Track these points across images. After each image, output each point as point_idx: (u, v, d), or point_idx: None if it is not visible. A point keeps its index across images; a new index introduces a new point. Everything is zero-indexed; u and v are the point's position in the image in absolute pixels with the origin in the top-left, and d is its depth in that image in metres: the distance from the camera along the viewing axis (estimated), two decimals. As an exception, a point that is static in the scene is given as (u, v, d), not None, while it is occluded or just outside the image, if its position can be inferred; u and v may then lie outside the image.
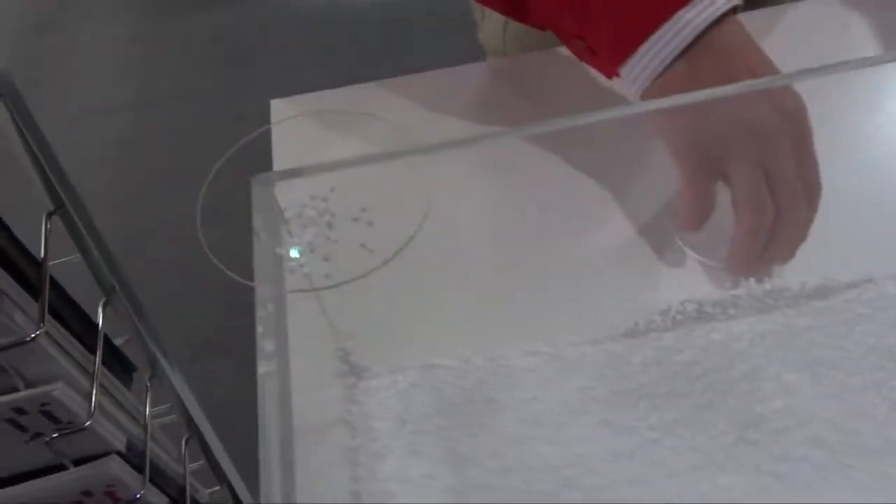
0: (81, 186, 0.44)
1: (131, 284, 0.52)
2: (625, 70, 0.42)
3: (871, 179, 0.42)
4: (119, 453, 0.49)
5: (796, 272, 0.40)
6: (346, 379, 0.37)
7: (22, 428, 0.44)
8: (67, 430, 0.44)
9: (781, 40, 0.49)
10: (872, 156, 0.43)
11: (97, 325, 0.49)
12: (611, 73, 0.43)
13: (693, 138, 0.40)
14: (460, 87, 0.56)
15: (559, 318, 0.40)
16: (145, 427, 0.51)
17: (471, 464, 0.36)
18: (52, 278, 0.47)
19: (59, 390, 0.43)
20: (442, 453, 0.36)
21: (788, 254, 0.40)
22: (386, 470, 0.35)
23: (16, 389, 0.42)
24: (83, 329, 0.51)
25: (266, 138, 0.48)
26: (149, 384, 0.55)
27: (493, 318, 0.40)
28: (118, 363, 0.55)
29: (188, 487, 0.58)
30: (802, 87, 0.39)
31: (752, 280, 0.40)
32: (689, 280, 0.40)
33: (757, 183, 0.39)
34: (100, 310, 0.50)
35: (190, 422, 0.62)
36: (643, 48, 0.40)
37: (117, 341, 0.54)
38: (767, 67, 0.41)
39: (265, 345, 0.26)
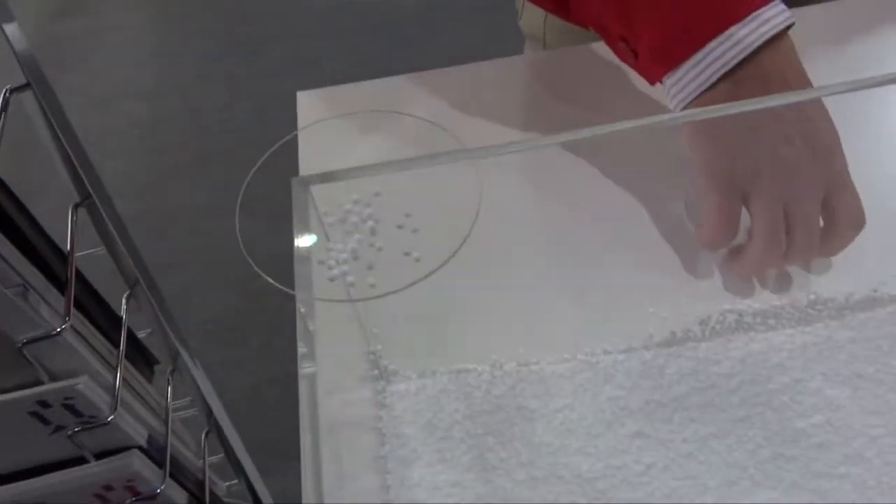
0: (102, 171, 0.43)
1: (153, 278, 0.52)
2: (668, 81, 0.40)
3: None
4: (140, 448, 0.48)
5: (843, 283, 0.39)
6: (376, 383, 0.37)
7: (45, 421, 0.43)
8: (90, 425, 0.44)
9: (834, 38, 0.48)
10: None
11: (121, 318, 0.48)
12: (654, 80, 0.41)
13: (722, 164, 0.38)
14: (491, 81, 0.55)
15: (594, 324, 0.39)
16: (166, 421, 0.51)
17: (500, 473, 0.35)
18: (77, 271, 0.47)
19: (83, 384, 0.42)
20: (471, 461, 0.36)
21: (786, 279, 0.40)
22: (414, 476, 0.35)
23: (40, 382, 0.42)
24: (107, 322, 0.50)
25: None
26: (170, 378, 0.55)
27: (525, 324, 0.39)
28: (140, 356, 0.54)
29: (207, 481, 0.58)
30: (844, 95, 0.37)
31: (796, 290, 0.38)
32: (729, 289, 0.39)
33: (774, 219, 0.38)
34: (123, 303, 0.50)
35: (210, 415, 0.62)
36: (688, 63, 0.38)
37: (140, 334, 0.54)
38: (815, 103, 0.38)
39: (301, 347, 0.25)
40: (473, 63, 0.56)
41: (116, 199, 0.46)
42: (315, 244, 0.25)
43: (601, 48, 0.54)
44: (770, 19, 0.37)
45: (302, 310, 0.25)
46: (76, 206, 0.46)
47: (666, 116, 0.33)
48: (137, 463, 0.47)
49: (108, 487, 0.47)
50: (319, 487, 0.28)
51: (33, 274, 0.41)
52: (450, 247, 0.26)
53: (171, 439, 0.52)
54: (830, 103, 0.38)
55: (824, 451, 0.36)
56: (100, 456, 0.48)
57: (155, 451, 0.50)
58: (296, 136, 0.41)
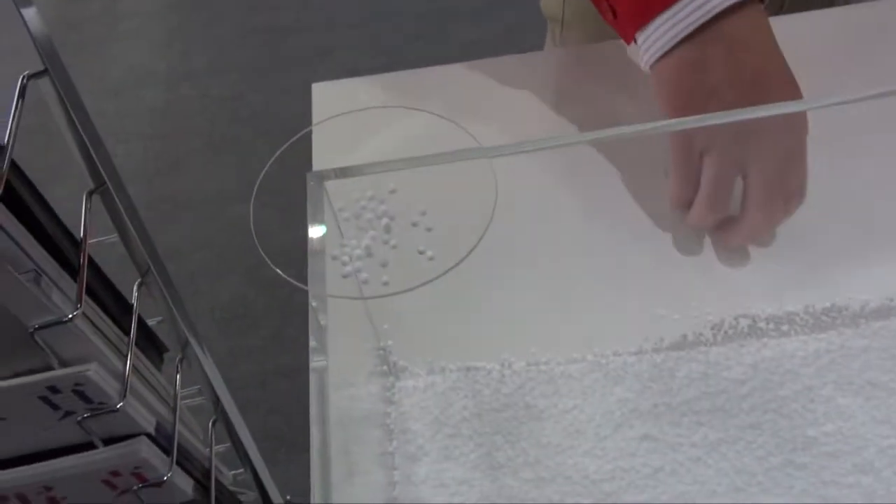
0: (115, 155, 0.43)
1: (164, 266, 0.52)
2: (640, 38, 0.41)
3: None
4: (148, 435, 0.49)
5: (858, 291, 0.38)
6: (385, 379, 0.37)
7: (54, 406, 0.44)
8: (99, 411, 0.44)
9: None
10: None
11: (131, 305, 0.48)
12: (629, 38, 0.42)
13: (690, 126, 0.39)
14: (508, 78, 0.54)
15: (605, 325, 0.39)
16: (175, 409, 0.51)
17: (506, 471, 0.35)
18: (89, 258, 0.47)
19: (92, 371, 0.43)
20: (478, 459, 0.36)
21: (738, 244, 0.41)
22: (421, 472, 0.35)
23: (50, 368, 0.42)
24: (118, 309, 0.50)
25: (309, 124, 0.47)
26: (179, 366, 0.55)
27: (536, 323, 0.39)
28: (150, 344, 0.55)
29: (213, 470, 0.58)
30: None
31: (810, 297, 0.38)
32: (743, 294, 0.39)
33: (720, 174, 0.39)
34: (134, 291, 0.50)
35: (217, 404, 0.62)
36: (658, 20, 0.39)
37: (150, 322, 0.54)
38: (776, 67, 0.40)
39: (312, 341, 0.25)
40: (490, 58, 0.56)
41: (129, 185, 0.46)
42: (329, 239, 0.25)
43: (619, 46, 0.54)
44: None
45: (314, 304, 0.25)
46: (90, 194, 0.46)
47: (684, 119, 0.33)
48: (145, 450, 0.47)
49: (116, 473, 0.48)
50: (328, 480, 0.28)
51: (46, 260, 0.41)
52: (464, 246, 0.26)
53: (178, 427, 0.53)
54: (835, 107, 0.37)
55: (834, 459, 0.36)
56: (108, 442, 0.48)
57: (162, 439, 0.50)
58: (310, 129, 0.41)
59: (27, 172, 0.44)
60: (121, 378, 0.45)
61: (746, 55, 0.39)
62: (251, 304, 1.35)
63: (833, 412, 0.37)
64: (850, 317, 0.39)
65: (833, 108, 0.36)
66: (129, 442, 0.47)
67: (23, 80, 0.37)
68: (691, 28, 0.39)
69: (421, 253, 0.26)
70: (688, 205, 0.40)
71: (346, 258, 0.28)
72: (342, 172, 0.27)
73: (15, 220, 0.39)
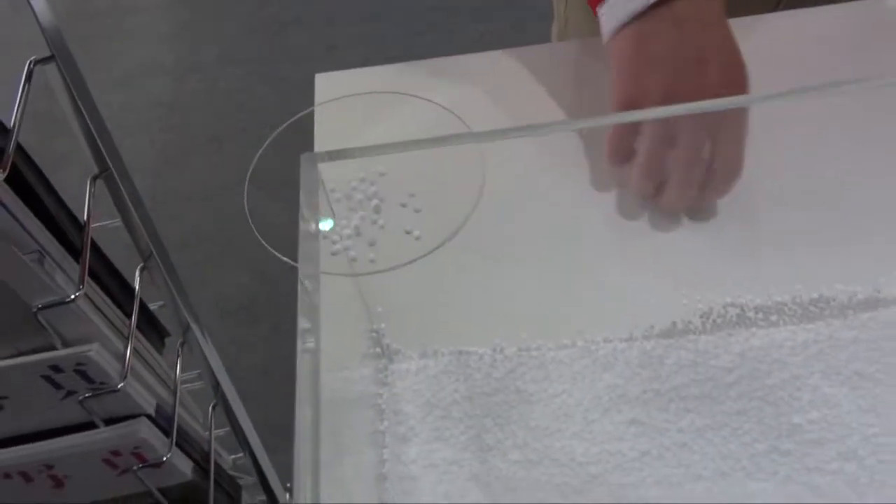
0: (122, 147, 0.44)
1: (167, 251, 0.53)
2: (600, 12, 0.43)
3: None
4: (148, 416, 0.50)
5: (847, 282, 0.39)
6: (378, 360, 0.37)
7: (57, 385, 0.45)
8: (100, 391, 0.45)
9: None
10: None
11: (133, 289, 0.49)
12: (594, 7, 0.44)
13: (627, 85, 0.42)
14: (509, 70, 0.55)
15: (596, 312, 0.39)
16: (175, 392, 0.52)
17: (495, 453, 0.36)
18: (93, 241, 0.48)
19: (94, 351, 0.43)
20: (468, 440, 0.36)
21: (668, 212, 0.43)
22: (411, 452, 0.35)
23: (53, 348, 0.43)
24: (120, 293, 0.51)
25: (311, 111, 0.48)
26: (180, 350, 0.56)
27: (528, 309, 0.39)
28: (151, 328, 0.55)
29: (212, 453, 0.59)
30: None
31: (799, 288, 0.39)
32: (733, 283, 0.39)
33: (652, 155, 0.41)
34: (137, 275, 0.51)
35: (217, 389, 0.63)
36: None
37: (152, 306, 0.55)
38: (722, 46, 0.41)
39: (304, 322, 0.26)
40: (493, 51, 0.57)
41: (136, 176, 0.47)
42: (320, 220, 0.25)
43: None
44: None
45: (306, 283, 0.26)
46: (94, 178, 0.47)
47: (673, 108, 0.33)
48: (145, 430, 0.48)
49: (116, 453, 0.49)
50: (317, 460, 0.29)
51: (50, 241, 0.42)
52: (451, 227, 0.26)
53: (178, 410, 0.53)
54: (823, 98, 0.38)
55: (819, 447, 0.36)
56: (109, 422, 0.49)
57: (162, 420, 0.51)
58: (311, 113, 0.41)
59: (34, 157, 0.45)
60: (122, 359, 0.46)
61: (693, 32, 0.41)
62: (255, 295, 1.36)
63: (819, 401, 0.37)
64: (838, 308, 0.39)
65: (820, 100, 0.36)
66: (129, 422, 0.48)
67: (30, 65, 0.38)
68: (645, 5, 0.41)
69: (408, 233, 0.27)
70: (620, 160, 0.43)
71: (335, 237, 0.28)
72: (334, 155, 0.28)
73: (20, 202, 0.40)
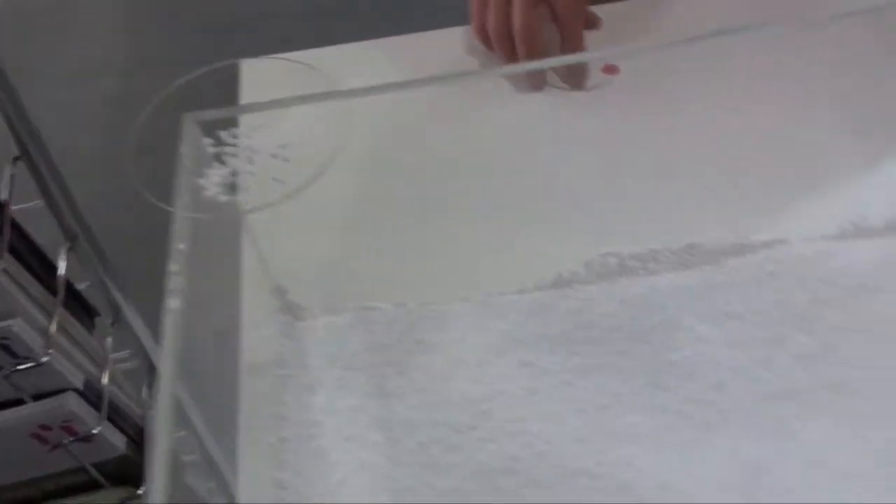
0: (76, 147, 0.46)
1: (94, 233, 0.54)
2: None
3: (789, 146, 0.44)
4: (77, 391, 0.51)
5: (716, 230, 0.43)
6: (283, 316, 0.40)
7: (-19, 361, 0.46)
8: (25, 365, 0.47)
9: None
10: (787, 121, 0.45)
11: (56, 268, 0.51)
12: None
13: None
14: (441, 50, 0.57)
15: (490, 267, 0.43)
16: (102, 367, 0.54)
17: (396, 399, 0.39)
18: (15, 221, 0.49)
19: (17, 325, 0.45)
20: (370, 389, 0.39)
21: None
22: (315, 402, 0.38)
23: (-25, 324, 0.44)
24: (46, 273, 0.53)
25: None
26: (110, 329, 0.58)
27: (428, 266, 0.42)
28: (81, 307, 0.57)
29: (146, 430, 0.61)
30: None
31: (671, 237, 0.42)
32: (610, 234, 0.43)
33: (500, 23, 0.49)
34: (62, 255, 0.52)
35: (151, 368, 0.64)
36: None
37: (80, 286, 0.56)
38: None
39: (176, 280, 0.28)
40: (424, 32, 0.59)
41: (88, 174, 0.49)
42: (195, 170, 0.28)
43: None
44: None
45: (182, 243, 0.28)
46: (15, 160, 0.48)
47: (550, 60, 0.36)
48: (73, 403, 0.50)
49: (45, 427, 0.50)
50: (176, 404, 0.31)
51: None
52: (316, 173, 0.29)
53: (111, 387, 0.55)
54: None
55: (692, 380, 0.40)
56: (39, 398, 0.50)
57: (93, 396, 0.53)
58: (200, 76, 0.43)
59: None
60: (46, 334, 0.47)
61: None
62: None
63: (692, 339, 0.41)
64: (709, 254, 0.43)
65: (696, 50, 0.40)
66: (57, 397, 0.50)
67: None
68: None
69: (277, 180, 0.29)
70: (482, 33, 0.50)
71: (210, 186, 0.31)
72: (216, 113, 0.30)
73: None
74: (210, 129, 0.31)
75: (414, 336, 0.41)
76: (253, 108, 0.30)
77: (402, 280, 0.42)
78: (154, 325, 0.60)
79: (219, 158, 0.30)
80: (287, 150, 0.30)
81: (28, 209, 0.51)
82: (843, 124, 0.46)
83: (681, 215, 0.43)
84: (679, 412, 0.39)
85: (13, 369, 0.46)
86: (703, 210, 0.43)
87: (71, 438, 0.51)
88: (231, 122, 0.31)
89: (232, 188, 0.30)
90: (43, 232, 0.54)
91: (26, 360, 0.47)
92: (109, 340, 0.56)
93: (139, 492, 0.60)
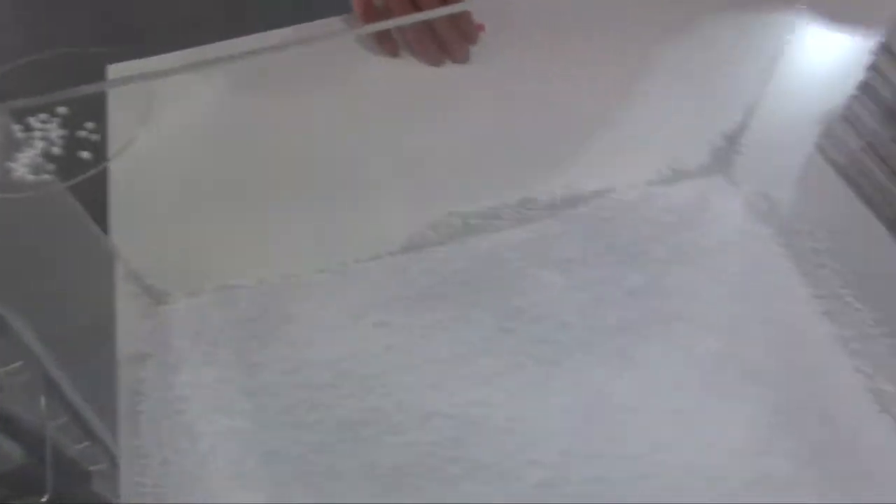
0: None
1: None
2: None
3: (611, 103, 0.48)
4: (-40, 404, 0.51)
5: (547, 184, 0.46)
6: (141, 299, 0.42)
7: None
8: None
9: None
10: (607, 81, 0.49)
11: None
12: None
13: None
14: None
15: (345, 237, 0.45)
16: (-12, 379, 0.54)
17: (260, 368, 0.41)
18: None
19: None
20: (236, 361, 0.41)
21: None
22: (181, 379, 0.40)
23: None
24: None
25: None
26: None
27: (283, 241, 0.45)
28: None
29: (48, 441, 0.61)
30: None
31: (508, 192, 0.46)
32: (452, 194, 0.46)
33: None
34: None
35: (49, 381, 0.64)
36: None
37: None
38: None
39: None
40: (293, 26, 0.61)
41: None
42: (5, 152, 0.30)
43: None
44: None
45: None
46: None
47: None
48: (-45, 416, 0.50)
49: (-70, 442, 0.50)
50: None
51: None
52: (126, 145, 0.31)
53: (-1, 398, 0.55)
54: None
55: (538, 322, 0.44)
56: (-79, 415, 0.50)
57: (-21, 408, 0.53)
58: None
59: None
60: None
61: None
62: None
63: (536, 285, 0.45)
64: (545, 208, 0.47)
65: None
66: (-62, 411, 0.50)
67: None
68: None
69: (84, 155, 0.31)
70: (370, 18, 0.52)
71: (18, 167, 0.33)
72: (30, 101, 0.32)
73: None
74: (21, 116, 0.32)
75: (276, 309, 0.43)
76: (58, 96, 0.32)
77: (258, 257, 0.44)
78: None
79: (28, 143, 0.32)
80: (97, 132, 0.32)
81: None
82: (657, 80, 0.51)
83: (515, 173, 0.47)
84: (527, 353, 0.42)
85: None
86: (535, 167, 0.47)
87: (-42, 452, 0.51)
88: (46, 110, 0.32)
89: (40, 169, 0.32)
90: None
91: None
92: (-7, 353, 0.56)
93: (43, 500, 0.60)
